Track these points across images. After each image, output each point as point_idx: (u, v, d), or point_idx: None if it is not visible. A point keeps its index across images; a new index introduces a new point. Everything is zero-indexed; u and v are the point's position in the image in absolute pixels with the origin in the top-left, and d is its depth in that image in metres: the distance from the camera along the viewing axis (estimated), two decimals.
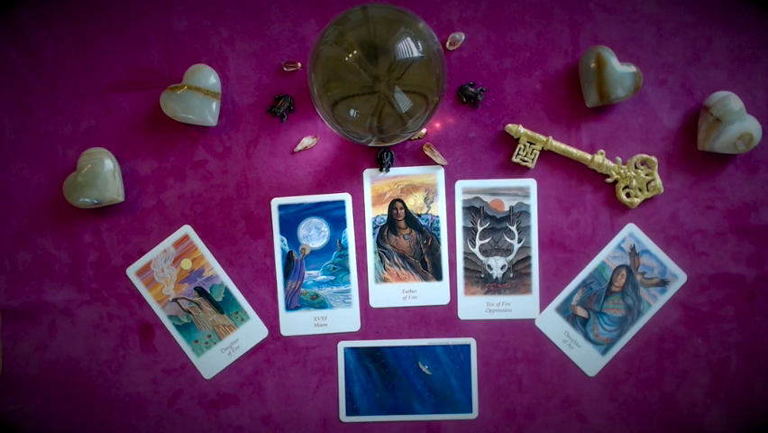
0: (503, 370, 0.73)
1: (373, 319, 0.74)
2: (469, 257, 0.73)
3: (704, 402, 0.73)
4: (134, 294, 0.73)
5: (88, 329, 0.73)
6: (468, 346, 0.73)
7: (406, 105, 0.62)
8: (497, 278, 0.73)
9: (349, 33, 0.61)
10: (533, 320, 0.73)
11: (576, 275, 0.73)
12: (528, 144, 0.72)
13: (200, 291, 0.73)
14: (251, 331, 0.73)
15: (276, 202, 0.73)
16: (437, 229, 0.73)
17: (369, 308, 0.74)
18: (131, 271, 0.73)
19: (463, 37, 0.73)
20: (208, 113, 0.71)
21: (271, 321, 0.74)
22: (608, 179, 0.73)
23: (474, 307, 0.73)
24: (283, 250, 0.74)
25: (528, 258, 0.73)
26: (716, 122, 0.70)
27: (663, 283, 0.73)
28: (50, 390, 0.73)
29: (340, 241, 0.74)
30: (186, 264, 0.73)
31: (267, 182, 0.73)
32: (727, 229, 0.73)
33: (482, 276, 0.73)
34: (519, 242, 0.73)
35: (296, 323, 0.74)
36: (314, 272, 0.74)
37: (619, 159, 0.73)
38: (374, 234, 0.74)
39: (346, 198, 0.73)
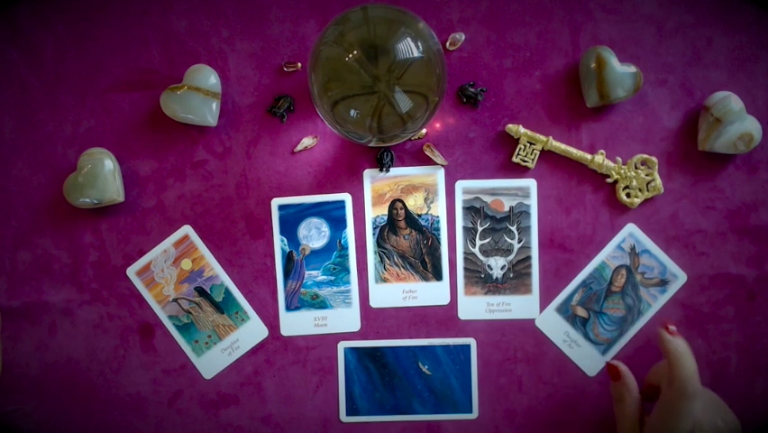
0: (503, 370, 0.73)
1: (373, 319, 0.74)
2: (469, 257, 0.73)
3: None
4: (134, 294, 0.73)
5: (88, 329, 0.73)
6: (468, 346, 0.73)
7: (407, 105, 0.62)
8: (497, 278, 0.73)
9: (349, 33, 0.61)
10: (533, 320, 0.73)
11: (576, 275, 0.73)
12: (528, 144, 0.72)
13: (200, 291, 0.73)
14: (251, 331, 0.73)
15: (276, 202, 0.73)
16: (437, 229, 0.73)
17: (369, 308, 0.74)
18: (131, 271, 0.73)
19: (463, 37, 0.73)
20: (208, 113, 0.71)
21: (271, 321, 0.74)
22: (608, 180, 0.73)
23: (474, 307, 0.73)
24: (283, 250, 0.74)
25: (528, 258, 0.73)
26: (716, 122, 0.70)
27: (663, 283, 0.73)
28: (50, 390, 0.73)
29: (340, 241, 0.74)
30: (186, 264, 0.73)
31: (267, 182, 0.73)
32: (727, 229, 0.73)
33: (482, 276, 0.73)
34: (519, 242, 0.73)
35: (296, 323, 0.74)
36: (314, 272, 0.74)
37: (619, 159, 0.73)
38: (374, 234, 0.73)
39: (346, 198, 0.73)
